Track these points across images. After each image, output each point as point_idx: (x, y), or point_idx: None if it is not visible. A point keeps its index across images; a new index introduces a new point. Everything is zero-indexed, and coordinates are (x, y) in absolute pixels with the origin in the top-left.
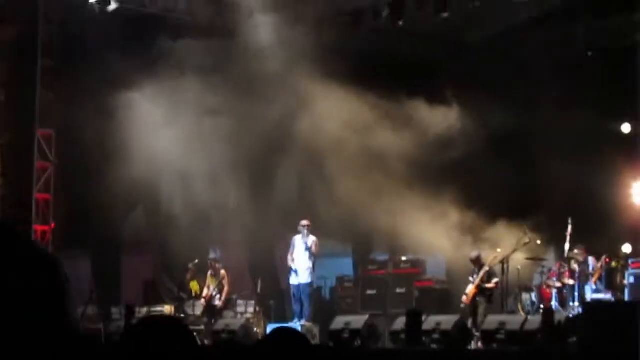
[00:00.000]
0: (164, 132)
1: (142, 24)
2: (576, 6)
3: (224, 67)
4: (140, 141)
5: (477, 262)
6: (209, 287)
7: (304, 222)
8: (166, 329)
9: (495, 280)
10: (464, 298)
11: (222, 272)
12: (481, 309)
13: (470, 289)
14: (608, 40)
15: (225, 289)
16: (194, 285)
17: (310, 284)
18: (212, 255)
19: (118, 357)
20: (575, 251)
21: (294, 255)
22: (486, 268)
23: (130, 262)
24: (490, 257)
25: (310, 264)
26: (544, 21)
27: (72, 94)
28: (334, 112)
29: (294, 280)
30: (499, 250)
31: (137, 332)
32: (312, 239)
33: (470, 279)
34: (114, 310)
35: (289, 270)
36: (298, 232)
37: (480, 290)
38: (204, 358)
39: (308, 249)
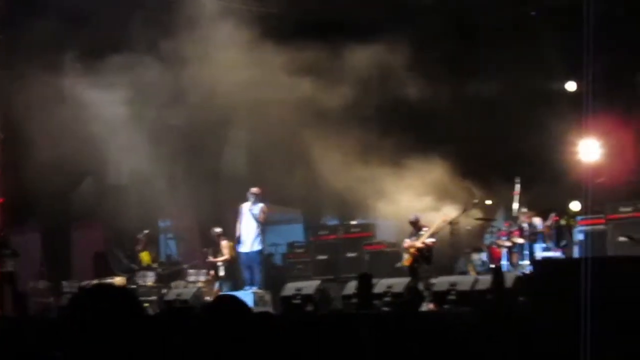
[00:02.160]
0: (107, 103)
1: None
2: None
3: (160, 41)
4: (87, 112)
5: (416, 224)
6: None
7: (253, 190)
8: (110, 297)
9: (433, 239)
10: (404, 259)
11: (224, 242)
12: (421, 270)
13: (410, 250)
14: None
15: (224, 257)
16: (145, 256)
17: (259, 252)
18: (216, 230)
19: (64, 325)
20: (523, 210)
21: (242, 224)
22: (426, 229)
23: (80, 235)
24: (439, 219)
25: (258, 231)
26: None
27: (17, 67)
28: (274, 79)
29: (242, 248)
30: (443, 213)
31: (81, 301)
32: (259, 206)
33: (408, 240)
34: (65, 284)
35: (237, 238)
36: (247, 200)
37: (420, 252)
38: (147, 324)
39: (255, 216)
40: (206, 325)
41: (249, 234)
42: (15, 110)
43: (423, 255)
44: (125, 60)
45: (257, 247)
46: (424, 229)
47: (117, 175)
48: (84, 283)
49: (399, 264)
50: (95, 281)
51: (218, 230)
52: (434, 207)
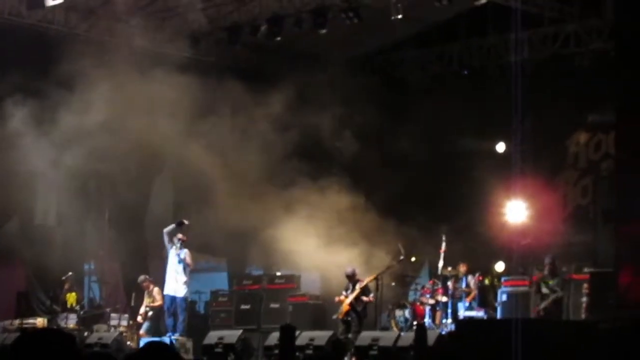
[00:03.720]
0: (40, 143)
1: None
2: (453, 25)
3: (100, 79)
4: (18, 152)
5: (352, 278)
6: (146, 306)
7: (179, 236)
8: (51, 340)
9: (372, 294)
10: (339, 313)
11: (156, 289)
12: (354, 325)
13: (345, 304)
14: (482, 60)
15: (158, 303)
16: (71, 297)
17: (185, 298)
18: (141, 278)
19: None
20: (456, 268)
21: (168, 268)
22: (362, 283)
23: (2, 274)
24: (370, 275)
25: (184, 278)
26: (422, 39)
27: None
28: (205, 132)
29: (167, 291)
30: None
31: (23, 345)
32: (184, 251)
33: (344, 293)
34: None
35: (162, 283)
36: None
37: (353, 306)
38: None
39: (181, 261)
40: None
41: (175, 279)
42: None
43: (355, 310)
44: (51, 104)
45: (182, 293)
46: (359, 283)
47: (44, 216)
48: (7, 322)
49: (334, 316)
50: (17, 321)
51: (144, 277)
52: (362, 260)
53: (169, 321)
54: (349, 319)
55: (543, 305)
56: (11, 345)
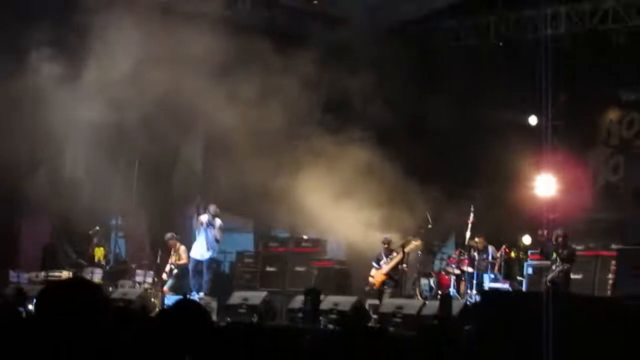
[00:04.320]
0: (70, 94)
1: None
2: None
3: (128, 32)
4: (47, 101)
5: (388, 246)
6: (171, 264)
7: (213, 207)
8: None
9: (404, 265)
10: (371, 280)
11: (182, 247)
12: (387, 293)
13: (379, 272)
14: (519, 33)
15: (183, 261)
16: (99, 252)
17: (213, 259)
18: (168, 235)
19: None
20: (476, 239)
21: (199, 234)
22: (398, 252)
23: (30, 225)
24: (411, 244)
25: (214, 244)
26: (459, 10)
27: None
28: (239, 95)
29: (194, 254)
30: (410, 238)
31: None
32: (218, 222)
33: (383, 260)
34: (12, 273)
35: (188, 241)
36: (205, 211)
37: (390, 275)
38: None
39: (213, 232)
40: (166, 330)
41: (203, 244)
42: None
43: (393, 278)
44: (79, 56)
45: (209, 254)
46: (394, 251)
47: (72, 169)
48: (32, 274)
49: (367, 288)
50: (42, 273)
51: (171, 234)
52: (387, 226)
53: (192, 281)
54: (384, 287)
55: (550, 276)
56: (37, 296)
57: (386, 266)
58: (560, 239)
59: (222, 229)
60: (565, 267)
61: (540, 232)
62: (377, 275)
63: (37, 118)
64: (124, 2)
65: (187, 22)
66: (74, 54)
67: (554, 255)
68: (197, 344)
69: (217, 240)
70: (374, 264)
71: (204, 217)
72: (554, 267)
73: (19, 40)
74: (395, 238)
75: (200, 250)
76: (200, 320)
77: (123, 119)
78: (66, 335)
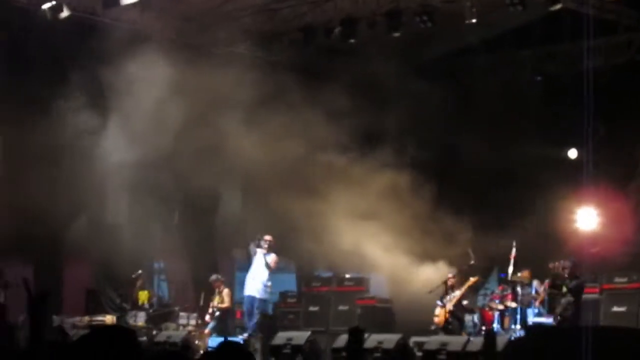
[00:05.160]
0: (111, 142)
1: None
2: (526, 31)
3: (181, 82)
4: (87, 149)
5: (447, 285)
6: (213, 307)
7: (267, 237)
8: (116, 338)
9: (465, 301)
10: (436, 320)
11: (226, 290)
12: (456, 330)
13: (443, 310)
14: (556, 66)
15: (226, 305)
16: (142, 295)
17: (263, 300)
18: (213, 277)
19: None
20: (519, 274)
21: (252, 268)
22: (461, 289)
23: (72, 271)
24: (469, 281)
25: (267, 279)
26: (493, 44)
27: (17, 99)
28: (275, 134)
29: (248, 291)
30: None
31: (89, 341)
32: (272, 256)
33: (447, 298)
34: (55, 318)
35: (232, 283)
36: (256, 246)
37: (453, 312)
38: None
39: (267, 264)
40: None
41: (256, 279)
42: (14, 142)
43: (456, 316)
44: (120, 103)
45: (262, 294)
46: (454, 288)
47: (114, 215)
48: (76, 319)
49: (432, 327)
50: (86, 318)
51: (217, 276)
52: (428, 262)
53: (246, 320)
54: (449, 326)
55: (558, 310)
56: (76, 342)
57: (450, 304)
58: (567, 270)
59: (277, 262)
60: (572, 300)
61: (551, 265)
62: (441, 314)
63: (78, 166)
64: (160, 46)
65: (224, 64)
66: (114, 100)
67: (563, 287)
68: None
69: (269, 267)
70: (438, 302)
71: (259, 251)
72: (562, 301)
73: (53, 89)
74: (438, 274)
75: (257, 286)
76: None
77: (164, 163)
78: None
